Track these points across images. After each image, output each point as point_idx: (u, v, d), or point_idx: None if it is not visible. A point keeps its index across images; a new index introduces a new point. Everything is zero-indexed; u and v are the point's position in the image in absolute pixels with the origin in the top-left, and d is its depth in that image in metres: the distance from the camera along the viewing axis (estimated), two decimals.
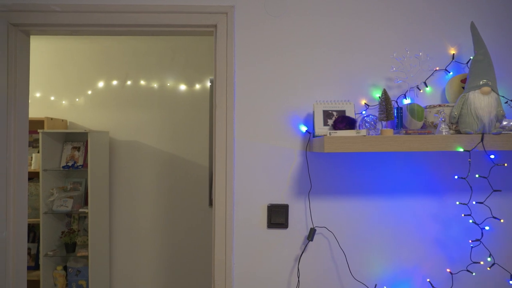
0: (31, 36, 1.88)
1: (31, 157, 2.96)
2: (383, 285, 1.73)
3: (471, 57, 1.59)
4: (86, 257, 2.87)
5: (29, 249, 2.94)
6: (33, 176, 2.97)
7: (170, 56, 3.15)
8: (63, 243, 2.97)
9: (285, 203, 1.73)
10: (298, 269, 1.72)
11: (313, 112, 1.63)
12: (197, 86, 3.15)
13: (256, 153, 1.73)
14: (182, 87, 3.15)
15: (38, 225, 2.92)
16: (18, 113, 1.77)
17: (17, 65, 1.76)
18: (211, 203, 3.12)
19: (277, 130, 1.73)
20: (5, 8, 1.71)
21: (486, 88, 1.47)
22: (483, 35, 1.58)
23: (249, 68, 1.73)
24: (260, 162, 1.73)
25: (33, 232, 3.08)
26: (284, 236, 1.73)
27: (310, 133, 1.71)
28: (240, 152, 1.73)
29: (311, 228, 1.69)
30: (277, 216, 1.72)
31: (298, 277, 1.72)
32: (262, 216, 1.73)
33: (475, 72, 1.52)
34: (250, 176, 1.73)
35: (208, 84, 3.13)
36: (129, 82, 3.15)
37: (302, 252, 1.73)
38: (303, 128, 1.72)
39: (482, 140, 1.42)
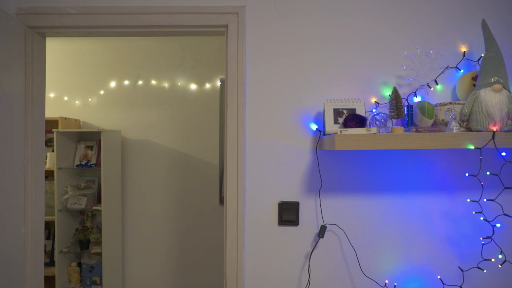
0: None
1: (46, 156, 3.03)
2: (394, 282, 1.74)
3: (482, 55, 1.59)
4: (100, 254, 2.93)
5: (44, 245, 3.00)
6: (48, 175, 3.03)
7: (181, 56, 3.18)
8: (77, 240, 3.03)
9: (296, 200, 1.75)
10: (309, 266, 1.74)
11: (324, 110, 1.64)
12: (207, 86, 3.18)
13: (266, 151, 1.75)
14: (193, 86, 3.18)
15: (53, 222, 2.98)
16: (35, 113, 1.82)
17: (34, 67, 1.81)
18: (221, 201, 3.15)
19: (288, 128, 1.75)
20: (23, 11, 1.76)
21: (498, 86, 1.47)
22: (495, 32, 1.57)
23: (259, 67, 1.76)
24: (271, 160, 1.75)
25: (48, 229, 3.14)
26: (295, 233, 1.76)
27: (321, 131, 1.73)
28: (251, 150, 1.76)
29: (321, 225, 1.71)
30: (288, 213, 1.74)
31: (309, 274, 1.74)
32: (273, 214, 1.76)
33: (486, 69, 1.52)
34: (261, 174, 1.76)
35: (218, 83, 3.16)
36: (140, 82, 3.19)
37: (313, 249, 1.75)
38: (314, 126, 1.74)
39: (493, 137, 1.43)
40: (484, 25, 1.58)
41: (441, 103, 1.62)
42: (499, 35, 1.65)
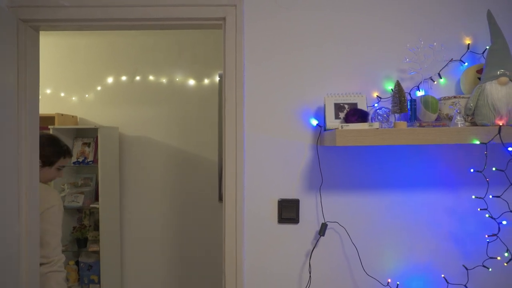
0: (41, 33, 1.88)
1: None
2: (396, 281, 1.70)
3: (487, 47, 1.54)
4: (98, 252, 2.89)
5: None
6: None
7: (178, 51, 3.14)
8: (74, 238, 3.00)
9: (296, 197, 1.71)
10: (310, 265, 1.70)
11: (324, 105, 1.60)
12: (206, 81, 3.13)
13: (266, 147, 1.71)
14: (191, 82, 3.14)
15: None
16: (28, 110, 1.78)
17: (27, 62, 1.76)
18: (220, 198, 3.11)
19: (287, 124, 1.71)
20: (15, 4, 1.71)
21: (504, 79, 1.42)
22: (500, 23, 1.52)
23: (258, 61, 1.71)
24: (270, 156, 1.71)
25: None
26: (295, 231, 1.71)
27: (321, 126, 1.68)
28: (250, 146, 1.71)
29: (322, 223, 1.67)
30: (288, 211, 1.70)
31: (310, 273, 1.70)
32: (273, 211, 1.72)
33: (492, 62, 1.47)
34: (260, 171, 1.71)
35: (217, 78, 3.11)
36: (138, 78, 3.15)
37: (314, 248, 1.71)
38: (314, 122, 1.69)
39: (499, 132, 1.38)
40: (490, 16, 1.54)
41: (445, 97, 1.58)
42: (505, 26, 1.60)
